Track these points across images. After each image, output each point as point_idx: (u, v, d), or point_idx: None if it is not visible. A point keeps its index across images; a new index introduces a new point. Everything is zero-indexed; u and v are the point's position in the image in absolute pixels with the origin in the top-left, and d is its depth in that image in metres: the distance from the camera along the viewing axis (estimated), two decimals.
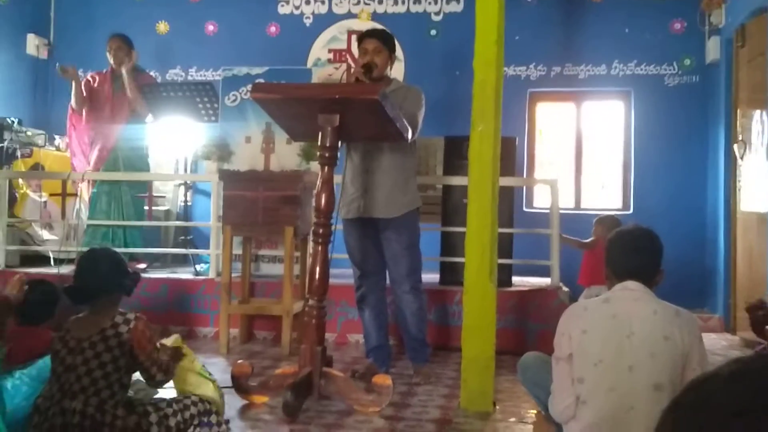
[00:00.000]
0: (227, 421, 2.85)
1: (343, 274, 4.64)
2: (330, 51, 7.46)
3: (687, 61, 6.88)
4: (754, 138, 5.67)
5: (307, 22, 7.52)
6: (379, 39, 3.96)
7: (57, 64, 5.94)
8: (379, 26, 4.21)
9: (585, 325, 2.31)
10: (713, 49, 6.47)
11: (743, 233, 5.80)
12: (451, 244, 5.12)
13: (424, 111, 3.98)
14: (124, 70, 5.81)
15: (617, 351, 2.24)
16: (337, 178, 3.85)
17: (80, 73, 7.47)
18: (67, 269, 5.32)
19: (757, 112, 5.60)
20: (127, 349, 2.45)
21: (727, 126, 6.10)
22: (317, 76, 6.88)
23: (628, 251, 2.39)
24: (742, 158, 5.79)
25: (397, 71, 6.81)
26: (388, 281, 4.12)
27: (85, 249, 5.10)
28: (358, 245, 4.01)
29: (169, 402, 2.59)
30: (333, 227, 3.63)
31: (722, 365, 0.57)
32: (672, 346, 2.22)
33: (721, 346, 5.38)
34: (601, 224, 5.22)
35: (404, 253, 3.94)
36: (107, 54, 5.93)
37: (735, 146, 5.86)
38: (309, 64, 7.36)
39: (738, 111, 5.93)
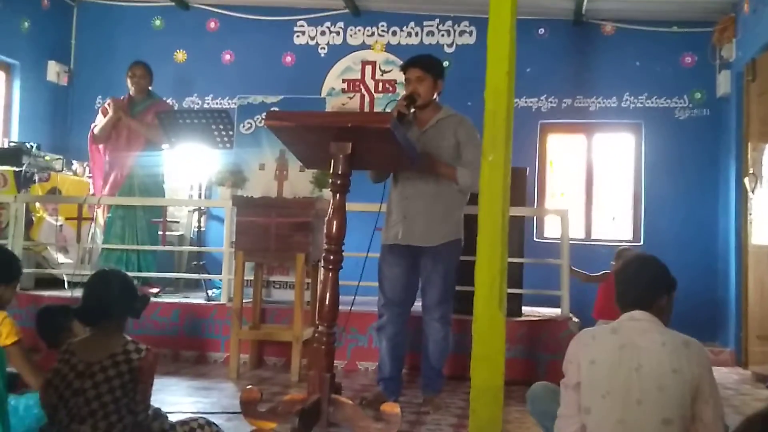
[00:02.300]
0: None
1: (356, 301, 4.64)
2: (344, 81, 7.56)
3: (698, 95, 6.93)
4: (765, 171, 5.67)
5: (322, 52, 7.65)
6: (422, 67, 3.97)
7: (110, 99, 6.02)
8: (423, 53, 4.21)
9: (593, 355, 2.30)
10: (724, 83, 6.51)
11: (755, 266, 5.78)
12: (461, 273, 5.12)
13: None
14: (126, 119, 5.89)
15: (625, 384, 2.22)
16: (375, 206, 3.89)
17: (98, 99, 7.66)
18: (80, 292, 5.37)
19: None
20: (135, 376, 2.43)
21: (738, 159, 6.11)
22: (331, 105, 6.99)
23: (627, 282, 2.43)
24: (753, 191, 5.80)
25: None
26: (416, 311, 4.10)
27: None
28: (390, 272, 3.98)
29: (174, 425, 2.59)
30: (366, 254, 3.67)
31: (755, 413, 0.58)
32: (680, 379, 2.19)
33: (732, 380, 5.34)
34: (618, 257, 5.23)
35: (438, 281, 3.92)
36: (127, 80, 6.03)
37: (746, 179, 5.87)
38: (323, 93, 7.47)
39: (749, 144, 5.95)
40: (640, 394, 2.20)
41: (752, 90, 5.93)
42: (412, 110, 3.92)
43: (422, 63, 4.00)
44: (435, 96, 4.02)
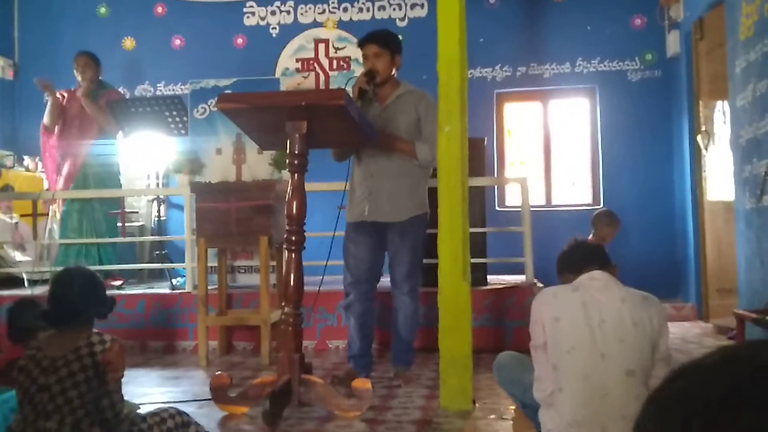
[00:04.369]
0: None
1: (323, 281, 4.64)
2: (297, 60, 7.49)
3: (648, 56, 7.01)
4: (716, 128, 5.78)
5: (274, 32, 7.55)
6: (378, 43, 3.93)
7: (34, 79, 5.90)
8: (379, 29, 4.16)
9: (556, 313, 2.36)
10: (673, 43, 6.60)
11: (711, 222, 5.91)
12: (426, 246, 5.14)
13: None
14: (80, 95, 5.78)
15: (589, 338, 2.29)
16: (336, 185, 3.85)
17: (46, 93, 7.47)
18: (41, 290, 5.28)
19: (719, 102, 5.71)
20: (101, 370, 2.40)
21: (691, 118, 6.22)
22: (286, 86, 6.92)
23: (580, 254, 2.57)
24: (706, 149, 5.91)
25: None
26: (382, 288, 4.11)
27: (58, 269, 5.07)
28: (356, 250, 3.97)
29: (144, 417, 2.56)
30: (333, 233, 3.65)
31: (705, 355, 0.55)
32: (641, 331, 2.28)
33: (694, 333, 5.47)
34: (595, 223, 5.35)
35: (406, 254, 3.92)
36: (75, 71, 5.90)
37: (699, 137, 5.98)
38: (277, 73, 7.38)
39: (700, 102, 6.05)
40: (603, 348, 2.27)
41: (701, 48, 6.02)
42: (372, 86, 3.90)
43: (379, 39, 3.97)
44: (393, 72, 4.00)
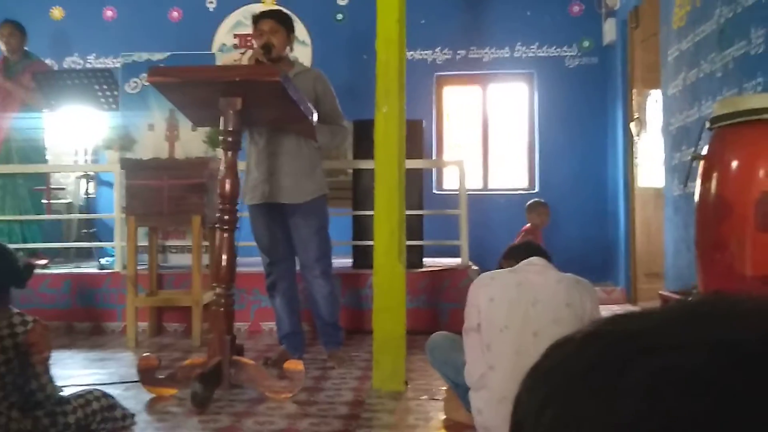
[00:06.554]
0: (132, 415, 2.77)
1: (255, 262, 4.58)
2: (235, 36, 7.32)
3: (586, 43, 7.11)
4: (649, 116, 5.91)
5: (211, 6, 7.36)
6: (275, 19, 3.86)
7: None
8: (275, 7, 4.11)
9: (492, 293, 2.41)
10: (610, 31, 6.71)
11: (641, 208, 6.05)
12: (362, 228, 5.13)
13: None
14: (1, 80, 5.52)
15: (523, 317, 2.34)
16: (241, 165, 3.79)
17: None
18: None
19: (653, 91, 5.84)
20: (22, 351, 2.31)
21: (625, 105, 6.34)
22: (222, 61, 6.76)
23: (527, 247, 2.69)
24: (638, 136, 6.04)
25: (304, 56, 6.75)
26: (298, 267, 4.07)
27: None
28: (264, 232, 3.92)
29: (68, 399, 2.48)
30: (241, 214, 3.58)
31: (579, 329, 0.56)
32: (573, 312, 2.34)
33: None
34: (530, 211, 5.50)
35: (313, 238, 3.88)
36: None
37: (632, 125, 6.10)
38: (214, 49, 7.20)
39: (634, 90, 6.17)
40: (536, 327, 2.32)
41: (636, 37, 6.13)
42: (268, 60, 3.80)
43: (275, 14, 3.93)
44: (287, 50, 3.94)
